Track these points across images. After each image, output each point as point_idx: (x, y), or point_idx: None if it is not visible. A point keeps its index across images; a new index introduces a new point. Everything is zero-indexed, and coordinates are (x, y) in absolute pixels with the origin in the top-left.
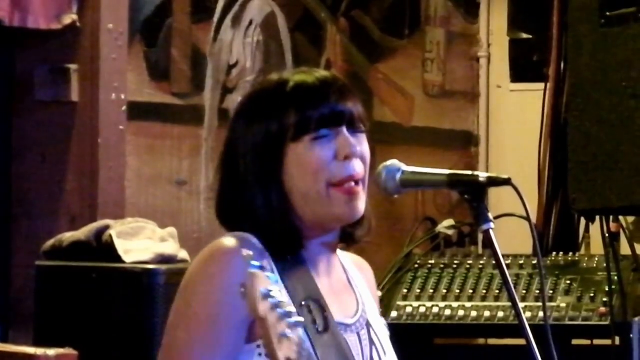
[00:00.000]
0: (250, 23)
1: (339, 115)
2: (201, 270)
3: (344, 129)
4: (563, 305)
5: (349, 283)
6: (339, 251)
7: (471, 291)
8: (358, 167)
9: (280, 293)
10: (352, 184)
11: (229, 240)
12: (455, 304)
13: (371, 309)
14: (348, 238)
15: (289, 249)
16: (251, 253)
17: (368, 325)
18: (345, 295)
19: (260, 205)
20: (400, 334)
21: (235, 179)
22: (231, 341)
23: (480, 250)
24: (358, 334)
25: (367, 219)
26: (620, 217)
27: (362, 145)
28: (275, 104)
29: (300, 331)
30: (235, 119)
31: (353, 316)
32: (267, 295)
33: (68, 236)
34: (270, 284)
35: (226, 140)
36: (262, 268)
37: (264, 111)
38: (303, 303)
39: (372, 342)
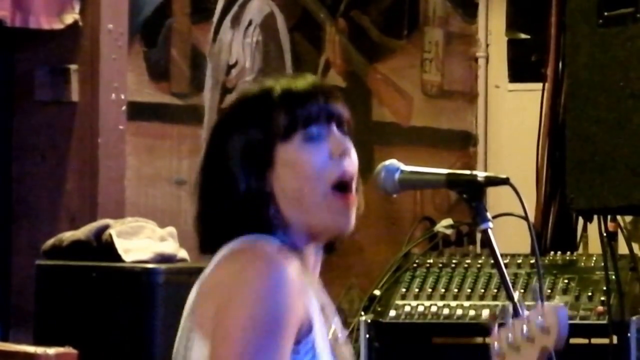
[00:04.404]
0: (250, 23)
1: (329, 114)
2: (261, 279)
3: (334, 127)
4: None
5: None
6: None
7: (469, 290)
8: (352, 167)
9: None
10: (350, 194)
11: (278, 250)
12: (453, 303)
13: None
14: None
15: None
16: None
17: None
18: (329, 307)
19: (254, 212)
20: (399, 333)
21: (220, 194)
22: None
23: (478, 250)
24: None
25: None
26: (618, 217)
27: (352, 147)
28: (262, 109)
29: None
30: (216, 131)
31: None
32: None
33: (68, 236)
34: None
35: (205, 154)
36: None
37: (251, 118)
38: (322, 310)
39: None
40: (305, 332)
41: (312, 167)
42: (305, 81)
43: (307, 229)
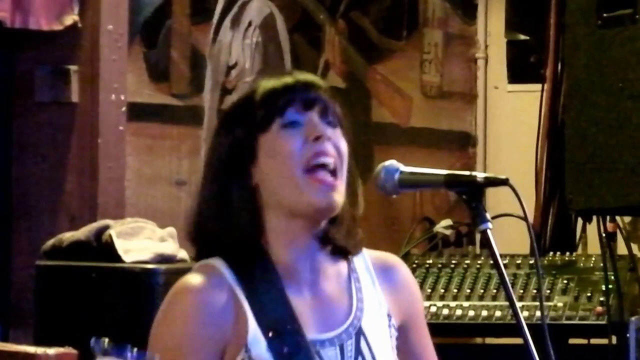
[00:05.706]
0: (249, 24)
1: (307, 100)
2: (167, 311)
3: (314, 114)
4: (560, 304)
5: (348, 287)
6: (364, 250)
7: (469, 291)
8: (330, 149)
9: None
10: (328, 175)
11: (192, 278)
12: (452, 304)
13: (373, 314)
14: (324, 238)
15: (257, 258)
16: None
17: (359, 333)
18: (333, 305)
19: (229, 207)
20: None
21: (206, 191)
22: None
23: (477, 250)
24: (341, 346)
25: (344, 220)
26: (617, 217)
27: (336, 136)
28: (245, 108)
29: None
30: (211, 138)
31: (337, 328)
32: None
33: (68, 236)
34: None
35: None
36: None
37: (236, 119)
38: (270, 331)
39: (359, 352)
40: (235, 351)
41: (287, 151)
42: (289, 76)
43: (292, 212)
